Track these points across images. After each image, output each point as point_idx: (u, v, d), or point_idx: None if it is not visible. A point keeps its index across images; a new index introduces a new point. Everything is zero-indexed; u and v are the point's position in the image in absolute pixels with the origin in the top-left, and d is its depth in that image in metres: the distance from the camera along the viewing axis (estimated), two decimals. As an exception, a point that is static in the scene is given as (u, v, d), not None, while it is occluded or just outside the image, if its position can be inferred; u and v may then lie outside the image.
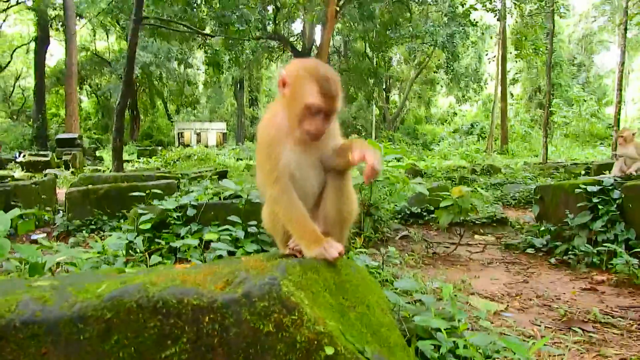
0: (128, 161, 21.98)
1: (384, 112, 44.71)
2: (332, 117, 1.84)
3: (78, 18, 33.93)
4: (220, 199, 4.27)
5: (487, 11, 21.98)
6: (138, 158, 25.44)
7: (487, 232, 6.60)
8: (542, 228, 5.54)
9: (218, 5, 20.39)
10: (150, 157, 24.34)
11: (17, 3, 34.60)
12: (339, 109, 1.83)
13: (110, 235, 4.37)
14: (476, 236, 6.40)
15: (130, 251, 3.67)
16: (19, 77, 43.42)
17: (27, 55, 40.97)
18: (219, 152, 27.64)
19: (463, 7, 24.14)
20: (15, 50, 39.17)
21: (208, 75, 40.71)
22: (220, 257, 3.33)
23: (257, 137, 1.95)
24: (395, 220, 7.05)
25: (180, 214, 4.01)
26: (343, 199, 1.97)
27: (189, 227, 3.92)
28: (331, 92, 1.78)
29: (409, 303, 2.69)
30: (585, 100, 34.22)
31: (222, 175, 11.64)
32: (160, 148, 31.77)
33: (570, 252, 4.90)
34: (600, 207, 4.85)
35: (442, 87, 47.34)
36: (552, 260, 4.96)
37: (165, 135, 45.43)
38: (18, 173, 15.30)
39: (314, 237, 1.83)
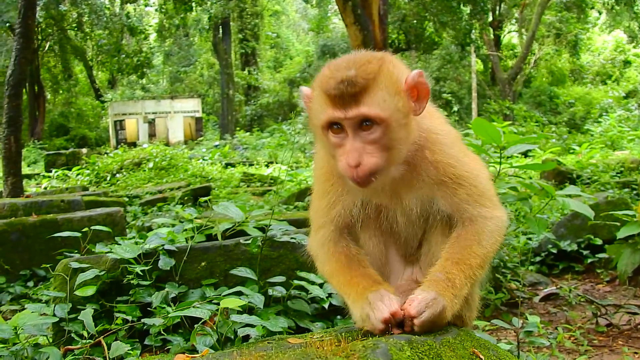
0: (29, 176, 14.82)
1: (493, 66, 28.31)
2: (376, 126, 1.32)
3: None
4: (211, 237, 2.88)
5: None
6: (47, 170, 15.91)
7: None
8: None
9: None
10: (69, 168, 14.99)
11: None
12: (378, 109, 1.30)
13: (21, 310, 3.26)
14: (691, 291, 4.16)
15: (60, 334, 2.40)
16: None
17: None
18: (192, 154, 17.81)
19: None
20: None
21: (165, 15, 25.37)
22: (246, 338, 2.16)
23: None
24: (531, 267, 4.85)
25: (147, 268, 2.56)
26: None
27: (163, 290, 2.52)
28: (340, 86, 1.29)
29: None
30: None
31: (201, 194, 8.44)
32: (84, 150, 20.21)
33: None
34: None
35: (600, 13, 30.13)
36: None
37: (92, 127, 29.84)
38: None
39: (363, 284, 1.42)
